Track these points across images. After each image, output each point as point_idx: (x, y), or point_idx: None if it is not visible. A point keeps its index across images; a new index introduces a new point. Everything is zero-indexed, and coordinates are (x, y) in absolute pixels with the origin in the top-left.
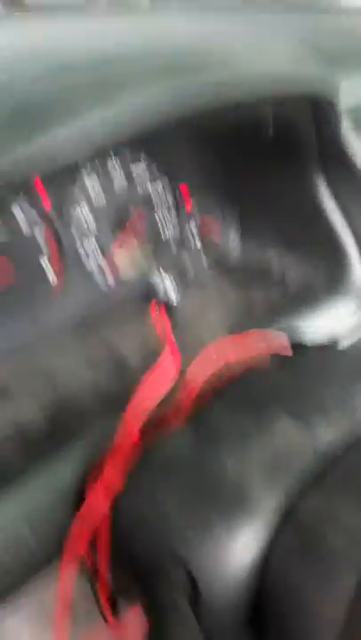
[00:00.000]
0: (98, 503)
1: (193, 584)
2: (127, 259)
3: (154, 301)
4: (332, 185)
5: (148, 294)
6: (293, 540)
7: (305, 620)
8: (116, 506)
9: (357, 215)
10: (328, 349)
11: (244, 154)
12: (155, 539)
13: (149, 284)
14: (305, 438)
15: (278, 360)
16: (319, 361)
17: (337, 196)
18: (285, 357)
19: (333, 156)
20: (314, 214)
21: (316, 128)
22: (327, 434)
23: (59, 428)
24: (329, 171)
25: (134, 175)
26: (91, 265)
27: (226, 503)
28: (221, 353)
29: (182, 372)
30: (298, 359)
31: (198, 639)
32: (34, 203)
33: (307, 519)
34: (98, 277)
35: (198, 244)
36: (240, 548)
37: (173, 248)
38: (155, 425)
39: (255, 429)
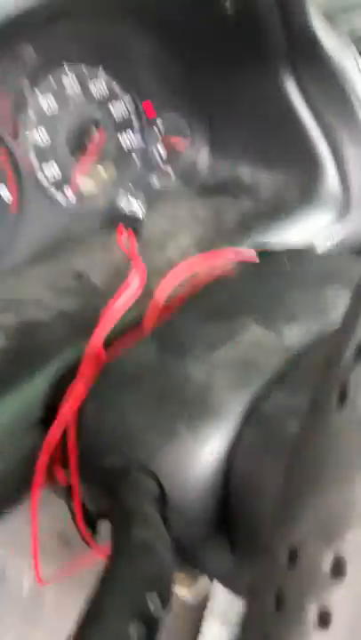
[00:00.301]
0: (66, 422)
1: (160, 490)
2: (91, 181)
3: (120, 224)
4: (302, 86)
5: (113, 216)
6: (257, 436)
7: (264, 514)
8: (82, 419)
9: (331, 119)
10: (298, 255)
11: (208, 56)
12: (120, 448)
13: (115, 206)
14: (272, 342)
15: (246, 269)
16: (289, 267)
17: (309, 97)
18: (254, 266)
19: (303, 52)
20: (285, 119)
21: (282, 19)
22: (296, 337)
23: (24, 355)
24: (299, 69)
25: (93, 93)
26: (52, 190)
27: (190, 408)
28: (191, 271)
29: (150, 292)
30: (266, 267)
31: (167, 545)
32: None
33: (270, 414)
34: (60, 202)
35: (165, 163)
36: (205, 452)
37: (139, 168)
38: (121, 343)
39: (221, 337)
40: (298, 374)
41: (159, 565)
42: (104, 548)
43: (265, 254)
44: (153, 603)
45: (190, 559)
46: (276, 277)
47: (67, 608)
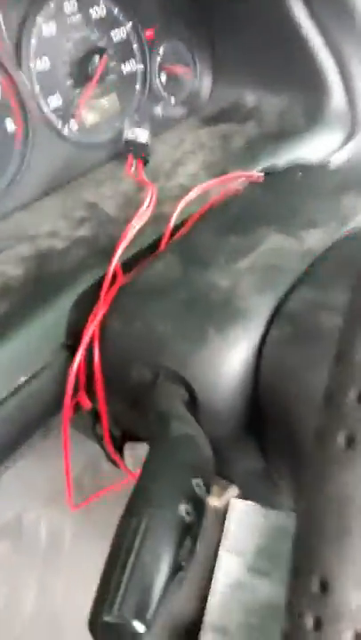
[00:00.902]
0: (91, 342)
1: (190, 395)
2: (95, 112)
3: (129, 154)
4: (308, 2)
5: (119, 147)
6: (286, 331)
7: (303, 407)
8: (106, 337)
9: (337, 36)
10: (310, 169)
11: None
12: (147, 358)
13: (120, 136)
14: (294, 247)
15: (258, 186)
16: (304, 180)
17: (314, 14)
18: (265, 183)
19: None
20: (290, 38)
21: None
22: (316, 241)
23: (44, 281)
24: None
25: (95, 20)
26: (57, 122)
27: (218, 313)
28: (202, 193)
29: (164, 215)
30: (278, 183)
31: (205, 438)
32: None
33: (297, 310)
34: (66, 134)
35: (168, 91)
36: (235, 353)
37: (142, 98)
38: (139, 266)
39: (242, 247)
40: (321, 272)
41: (200, 455)
42: (130, 471)
43: (276, 173)
44: (199, 487)
45: (220, 463)
46: (291, 190)
47: (84, 555)
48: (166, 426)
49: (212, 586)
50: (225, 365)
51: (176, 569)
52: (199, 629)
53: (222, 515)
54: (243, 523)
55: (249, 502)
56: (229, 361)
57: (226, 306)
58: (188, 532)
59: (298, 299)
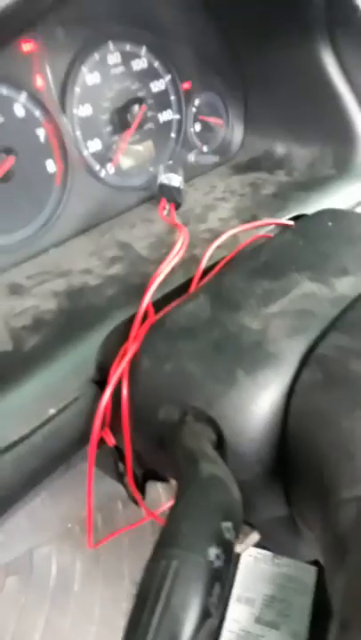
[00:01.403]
0: (120, 379)
1: (217, 436)
2: (132, 158)
3: (162, 198)
4: (340, 56)
5: (153, 191)
6: (316, 376)
7: (334, 451)
8: (135, 375)
9: None
10: (339, 214)
11: (247, 32)
12: (176, 398)
13: (155, 181)
14: (325, 293)
15: (289, 232)
16: (334, 226)
17: (346, 68)
18: (295, 229)
19: (342, 20)
20: (321, 91)
21: None
22: (348, 288)
23: (76, 316)
24: (337, 39)
25: (136, 72)
26: (95, 165)
27: (248, 355)
28: (234, 238)
29: (195, 258)
30: (308, 229)
31: (233, 480)
32: (37, 102)
33: (329, 354)
34: (103, 177)
35: (201, 141)
36: (264, 396)
37: (178, 144)
38: (170, 307)
39: (274, 292)
40: (353, 319)
41: (230, 497)
42: (150, 509)
43: (306, 218)
44: (228, 531)
45: (245, 507)
46: (321, 237)
47: (92, 596)
48: (195, 466)
49: (222, 634)
50: (254, 407)
51: (205, 616)
52: None
53: (236, 561)
54: (253, 570)
55: (260, 550)
56: (258, 403)
57: (256, 348)
58: (218, 578)
59: (329, 344)
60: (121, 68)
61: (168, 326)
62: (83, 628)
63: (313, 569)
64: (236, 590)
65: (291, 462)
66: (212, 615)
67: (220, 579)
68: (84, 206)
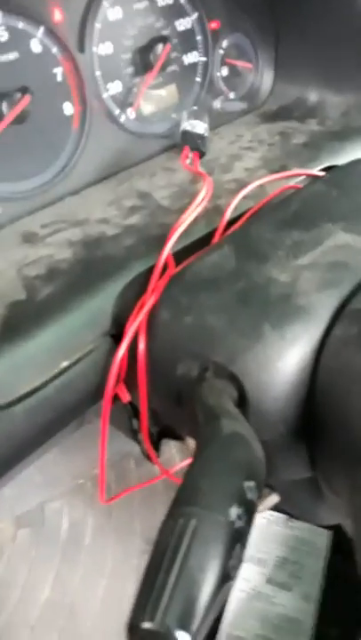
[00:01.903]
0: (137, 332)
1: (239, 393)
2: (154, 103)
3: (185, 146)
4: None
5: (176, 138)
6: (350, 332)
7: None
8: (153, 328)
9: None
10: None
11: None
12: (197, 352)
13: (178, 128)
14: (360, 244)
15: (321, 182)
16: None
17: None
18: (328, 179)
19: None
20: (356, 35)
21: None
22: None
23: (92, 267)
24: None
25: (161, 8)
26: (115, 109)
27: (276, 309)
28: (260, 188)
29: (219, 208)
30: (342, 179)
31: (256, 438)
32: (54, 38)
33: None
34: (123, 122)
35: (228, 86)
36: (292, 352)
37: (203, 89)
38: (192, 258)
39: (305, 243)
40: None
41: (253, 456)
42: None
43: (338, 169)
44: (250, 490)
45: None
46: (355, 187)
47: (102, 549)
48: (216, 423)
49: (233, 593)
50: (280, 363)
51: (225, 578)
52: (214, 637)
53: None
54: (266, 532)
55: (274, 512)
56: (285, 359)
57: (285, 302)
58: (239, 539)
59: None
60: (145, 4)
61: (189, 278)
62: (93, 582)
63: (326, 532)
64: (249, 550)
65: (318, 422)
66: (232, 578)
67: (242, 540)
68: (103, 153)
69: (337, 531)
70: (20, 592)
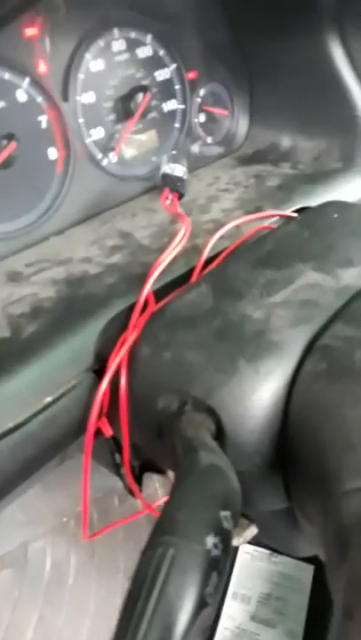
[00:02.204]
0: (118, 368)
1: (217, 426)
2: (135, 147)
3: (165, 188)
4: (348, 48)
5: (155, 181)
6: (320, 367)
7: (337, 442)
8: (134, 364)
9: None
10: (344, 206)
11: (254, 21)
12: (175, 387)
13: (157, 171)
14: (330, 284)
15: (293, 223)
16: (340, 218)
17: (354, 60)
18: (300, 220)
19: (351, 10)
20: (328, 84)
21: None
22: (353, 279)
23: (75, 304)
24: (345, 30)
25: (141, 60)
26: (98, 154)
27: (250, 344)
28: (236, 228)
29: (197, 248)
30: (313, 220)
31: (232, 470)
32: (39, 88)
33: (333, 345)
34: (105, 166)
35: (205, 131)
36: (266, 386)
37: (182, 134)
38: (171, 296)
39: (277, 282)
40: (358, 309)
41: (229, 486)
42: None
43: (311, 210)
44: (226, 520)
45: (243, 499)
46: (326, 228)
47: (86, 589)
48: (194, 455)
49: (217, 629)
50: (255, 397)
51: (201, 605)
52: None
53: (233, 555)
54: (249, 567)
55: (257, 547)
56: (259, 393)
57: (259, 338)
58: (215, 567)
59: (333, 335)
60: (126, 56)
61: (169, 315)
62: (77, 623)
63: (310, 567)
64: (232, 587)
65: (291, 453)
66: (209, 605)
67: (218, 568)
68: (86, 195)
69: (319, 565)
70: (4, 634)
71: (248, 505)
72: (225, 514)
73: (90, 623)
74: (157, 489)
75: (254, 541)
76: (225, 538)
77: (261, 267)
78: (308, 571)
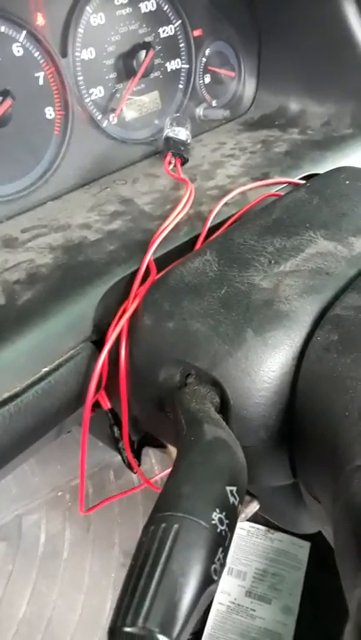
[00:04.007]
0: (119, 337)
1: (221, 398)
2: (137, 108)
3: (168, 152)
4: None
5: (159, 144)
6: (331, 338)
7: (348, 416)
8: (135, 334)
9: None
10: (356, 172)
11: None
12: (179, 358)
13: (161, 134)
14: (342, 252)
15: (302, 190)
16: (351, 184)
17: None
18: (309, 187)
19: None
20: (340, 45)
21: None
22: None
23: (73, 271)
24: None
25: (144, 16)
26: (97, 115)
27: (258, 314)
28: (242, 195)
29: (201, 214)
30: (323, 187)
31: (238, 444)
32: (36, 42)
33: (345, 315)
34: (105, 128)
35: (211, 94)
36: (274, 357)
37: (185, 96)
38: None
39: (286, 250)
40: None
41: (235, 461)
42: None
43: (320, 176)
44: (233, 495)
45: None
46: (337, 195)
47: (80, 563)
48: (198, 428)
49: (212, 604)
50: (262, 369)
51: (207, 582)
52: None
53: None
54: (245, 544)
55: (253, 523)
56: (267, 365)
57: (267, 307)
58: (221, 543)
59: (345, 305)
60: (128, 10)
61: (172, 283)
62: (71, 597)
63: (307, 544)
64: (228, 563)
65: (299, 428)
66: (215, 582)
67: (224, 544)
68: (85, 158)
69: (315, 542)
70: None
71: (252, 480)
72: (231, 489)
73: (84, 598)
74: (154, 464)
75: (251, 517)
76: (231, 513)
77: (269, 235)
78: (304, 547)
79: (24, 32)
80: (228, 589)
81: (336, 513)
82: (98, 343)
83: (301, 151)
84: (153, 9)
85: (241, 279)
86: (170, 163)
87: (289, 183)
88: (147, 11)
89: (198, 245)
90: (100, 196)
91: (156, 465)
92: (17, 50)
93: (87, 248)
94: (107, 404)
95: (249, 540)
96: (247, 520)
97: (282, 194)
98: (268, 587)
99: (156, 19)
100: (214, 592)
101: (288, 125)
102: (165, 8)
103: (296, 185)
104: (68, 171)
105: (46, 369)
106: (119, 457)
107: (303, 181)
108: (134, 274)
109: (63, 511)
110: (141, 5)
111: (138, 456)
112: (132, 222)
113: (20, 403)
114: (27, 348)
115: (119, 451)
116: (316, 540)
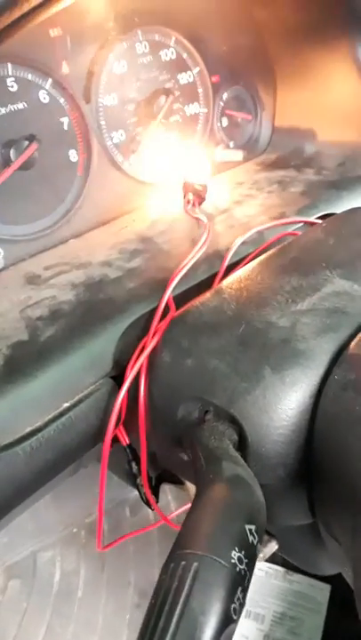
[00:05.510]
0: (137, 377)
1: (239, 436)
2: (158, 149)
3: (187, 192)
4: None
5: (180, 184)
6: (349, 375)
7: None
8: (154, 371)
9: None
10: None
11: (281, 26)
12: (197, 395)
13: (180, 175)
14: (358, 291)
15: (318, 230)
16: None
17: None
18: (325, 227)
19: None
20: (354, 87)
21: None
22: None
23: (94, 309)
24: None
25: (164, 63)
26: (118, 156)
27: (275, 352)
28: (258, 237)
29: (219, 253)
30: (339, 227)
31: (256, 482)
32: (62, 89)
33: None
34: (125, 169)
35: (228, 136)
36: (292, 395)
37: (204, 138)
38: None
39: (303, 289)
40: None
41: (254, 499)
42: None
43: (336, 217)
44: (252, 534)
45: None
46: (353, 235)
47: (95, 602)
48: (217, 465)
49: None
50: (280, 407)
51: (226, 621)
52: None
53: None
54: (264, 586)
55: (272, 564)
56: (285, 402)
57: (284, 346)
58: (240, 582)
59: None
60: (149, 58)
61: (190, 321)
62: (85, 638)
63: (327, 587)
64: (246, 605)
65: (317, 466)
66: (234, 621)
67: (243, 584)
68: (106, 198)
69: (335, 584)
70: None
71: (270, 520)
72: (250, 527)
73: (98, 639)
74: (170, 500)
75: (269, 558)
76: (250, 552)
77: (286, 274)
78: (324, 590)
79: (50, 80)
80: (247, 633)
81: (356, 554)
82: (117, 379)
83: (317, 191)
84: (173, 57)
85: (259, 317)
86: (188, 202)
87: (305, 223)
88: (167, 59)
89: (216, 283)
90: (120, 235)
91: (172, 502)
92: (43, 97)
93: (108, 285)
94: (125, 440)
95: (267, 582)
96: (265, 560)
97: (298, 233)
98: (286, 630)
99: (176, 66)
100: (233, 632)
101: (304, 166)
102: (185, 56)
103: (312, 224)
104: (89, 210)
105: (67, 404)
106: (135, 493)
107: (319, 221)
108: (154, 311)
109: (78, 548)
110: (162, 54)
111: (156, 492)
112: (151, 260)
113: (42, 437)
114: (48, 384)
115: (137, 487)
116: (336, 582)
